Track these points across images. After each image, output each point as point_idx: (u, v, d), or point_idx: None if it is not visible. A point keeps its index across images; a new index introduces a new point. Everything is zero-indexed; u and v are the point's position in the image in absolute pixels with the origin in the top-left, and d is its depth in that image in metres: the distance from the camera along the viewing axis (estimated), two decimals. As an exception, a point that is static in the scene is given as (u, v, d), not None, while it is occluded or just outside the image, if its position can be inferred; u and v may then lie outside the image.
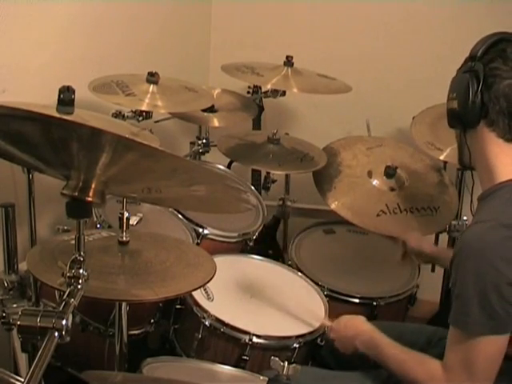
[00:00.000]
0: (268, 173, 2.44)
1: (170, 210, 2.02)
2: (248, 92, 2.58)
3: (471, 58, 1.35)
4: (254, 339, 1.64)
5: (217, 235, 2.02)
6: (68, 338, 0.99)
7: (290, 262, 2.10)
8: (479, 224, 1.29)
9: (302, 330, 1.71)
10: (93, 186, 1.01)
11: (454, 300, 1.29)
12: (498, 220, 1.26)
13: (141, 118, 1.98)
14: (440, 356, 1.37)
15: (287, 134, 2.43)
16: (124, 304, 1.53)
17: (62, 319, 0.98)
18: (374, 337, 1.50)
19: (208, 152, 2.49)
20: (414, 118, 2.29)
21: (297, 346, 1.68)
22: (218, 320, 1.67)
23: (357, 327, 1.57)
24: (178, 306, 1.79)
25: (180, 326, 1.81)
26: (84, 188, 1.01)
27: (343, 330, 1.60)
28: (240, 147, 2.23)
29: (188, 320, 1.77)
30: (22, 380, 1.22)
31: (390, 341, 1.45)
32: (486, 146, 1.34)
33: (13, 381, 1.25)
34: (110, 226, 1.80)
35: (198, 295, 1.74)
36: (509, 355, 1.28)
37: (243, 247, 2.10)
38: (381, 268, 2.15)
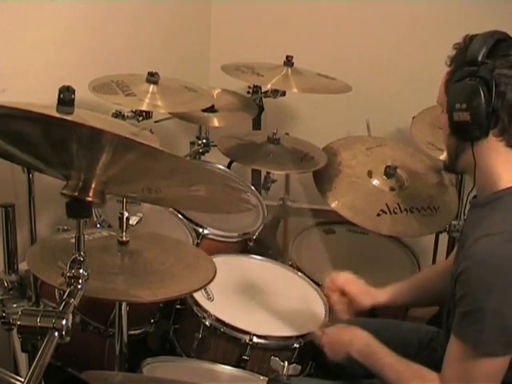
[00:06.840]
0: (268, 173, 2.44)
1: (170, 209, 2.02)
2: (248, 92, 2.58)
3: (471, 62, 1.26)
4: (255, 339, 1.64)
5: (217, 235, 2.02)
6: (68, 338, 0.99)
7: (290, 262, 2.10)
8: (490, 237, 1.22)
9: (303, 330, 1.71)
10: (93, 185, 1.01)
11: (464, 315, 1.23)
12: (509, 232, 1.22)
13: (141, 118, 1.99)
14: (430, 360, 1.35)
15: (287, 133, 2.43)
16: (124, 304, 1.53)
17: (62, 319, 0.98)
18: (370, 344, 1.45)
19: (208, 152, 2.49)
20: (413, 117, 2.29)
21: (297, 346, 1.68)
22: (218, 320, 1.67)
23: (354, 333, 1.52)
24: (178, 306, 1.80)
25: (180, 326, 1.81)
26: (84, 188, 1.01)
27: (339, 334, 1.55)
28: (240, 147, 2.23)
29: (188, 320, 1.77)
30: (22, 380, 1.22)
31: (386, 350, 1.41)
32: (492, 154, 1.29)
33: (13, 381, 1.25)
34: (109, 226, 1.80)
35: (199, 295, 1.74)
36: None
37: (243, 247, 2.10)
38: (381, 268, 2.15)
